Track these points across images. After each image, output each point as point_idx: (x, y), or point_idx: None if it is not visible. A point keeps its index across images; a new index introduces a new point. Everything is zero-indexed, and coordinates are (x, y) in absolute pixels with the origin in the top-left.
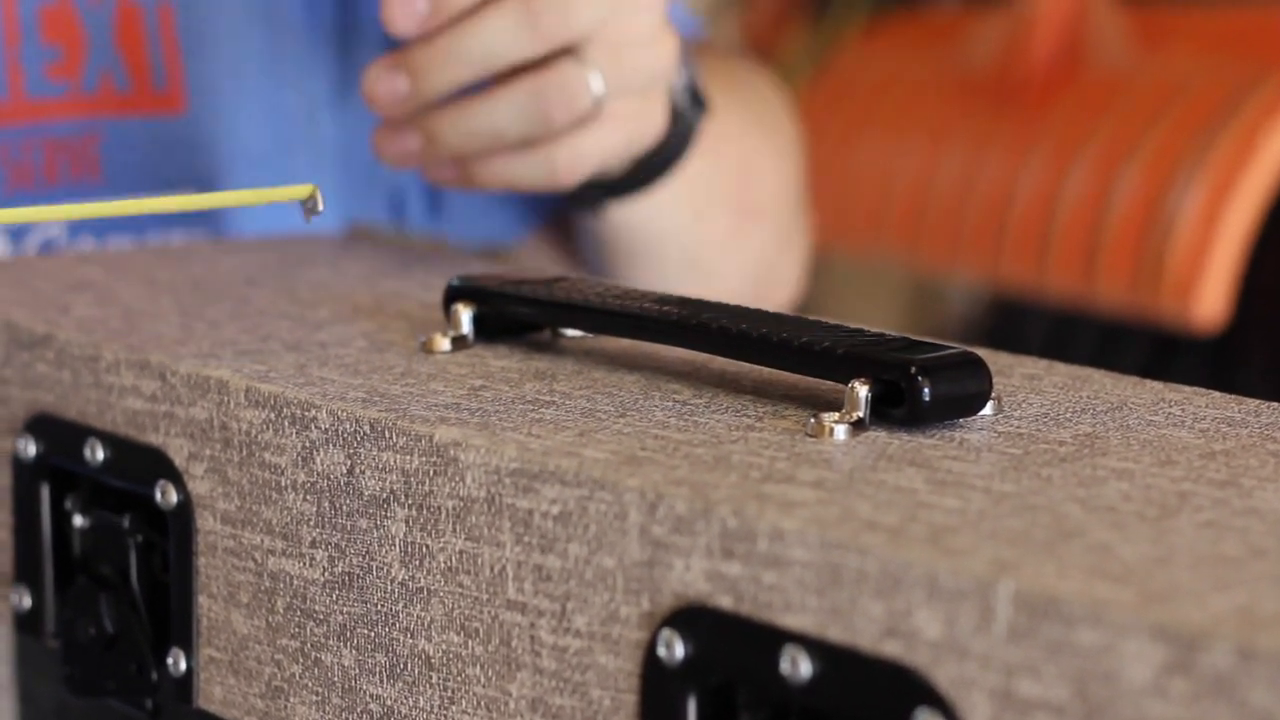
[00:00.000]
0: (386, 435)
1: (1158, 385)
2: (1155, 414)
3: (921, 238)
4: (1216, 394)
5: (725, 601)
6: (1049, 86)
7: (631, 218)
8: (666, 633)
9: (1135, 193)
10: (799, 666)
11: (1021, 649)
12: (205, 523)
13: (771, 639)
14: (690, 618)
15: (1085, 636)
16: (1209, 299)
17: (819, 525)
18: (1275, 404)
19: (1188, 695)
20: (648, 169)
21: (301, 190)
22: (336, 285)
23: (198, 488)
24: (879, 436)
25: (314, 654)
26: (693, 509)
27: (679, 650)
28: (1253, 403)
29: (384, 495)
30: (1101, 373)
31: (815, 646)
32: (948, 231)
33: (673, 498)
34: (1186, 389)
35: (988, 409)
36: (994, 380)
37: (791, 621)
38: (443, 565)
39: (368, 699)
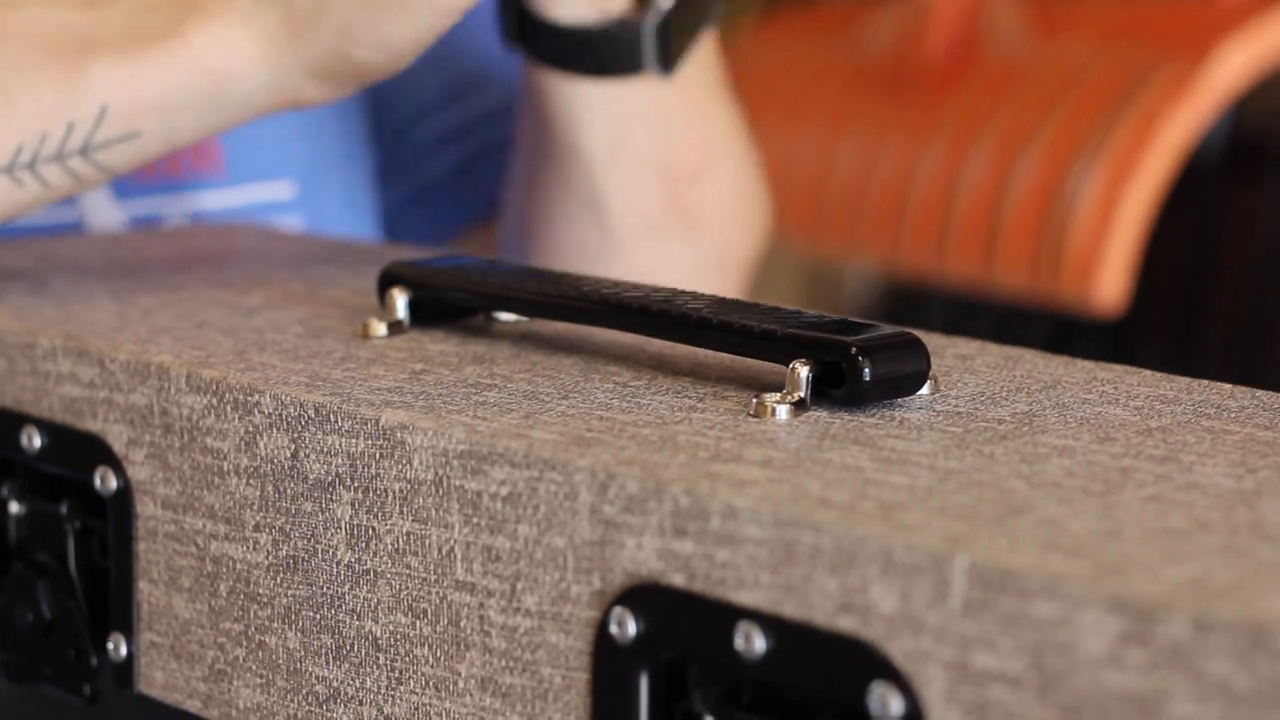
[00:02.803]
0: (332, 419)
1: (1089, 364)
2: (1089, 392)
3: (820, 225)
4: (1147, 372)
5: (678, 579)
6: (946, 74)
7: (565, 103)
8: (618, 611)
9: (1034, 178)
10: (753, 642)
11: (977, 622)
12: (145, 508)
13: (725, 615)
14: (642, 596)
15: (1041, 609)
16: (1108, 282)
17: (771, 503)
18: (1206, 381)
19: (1145, 665)
20: (601, 53)
21: None
22: (266, 273)
23: (137, 473)
24: (820, 416)
25: (258, 637)
26: (644, 488)
27: (631, 628)
28: (1183, 380)
29: (329, 478)
30: (1033, 352)
31: (769, 622)
32: (846, 218)
33: (624, 477)
34: (1117, 367)
35: (925, 389)
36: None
37: (745, 598)
38: (390, 547)
39: (313, 680)
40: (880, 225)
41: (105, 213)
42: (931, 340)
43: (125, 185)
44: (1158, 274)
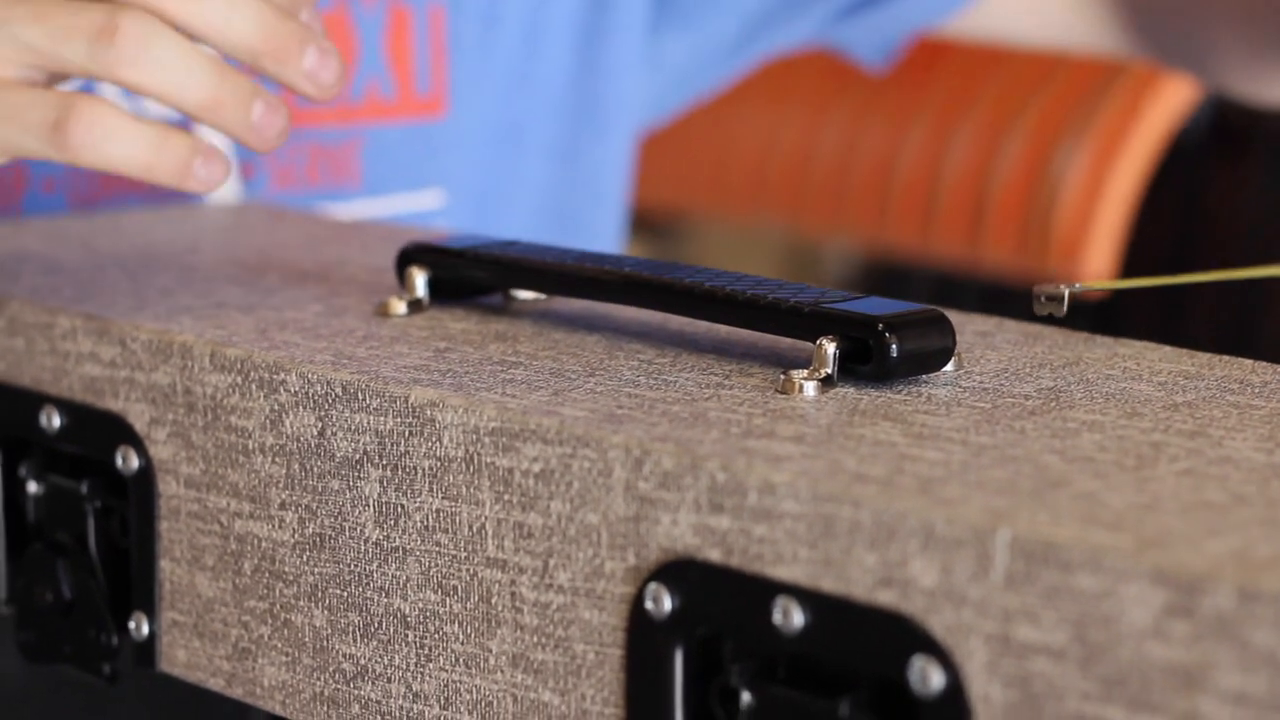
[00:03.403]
0: (360, 397)
1: (1108, 340)
2: (1112, 368)
3: (804, 205)
4: (1167, 348)
5: (714, 555)
6: (931, 53)
7: None
8: (654, 586)
9: (1020, 158)
10: (791, 617)
11: (1019, 595)
12: (168, 487)
13: (763, 590)
14: (679, 571)
15: (1084, 581)
16: (1096, 259)
17: (809, 478)
18: (1227, 357)
19: (1189, 637)
20: None
21: None
22: (278, 252)
23: (160, 452)
24: (848, 393)
25: (283, 615)
26: (680, 464)
27: (667, 603)
28: (1204, 356)
29: (357, 456)
30: (1051, 329)
31: (808, 597)
32: (830, 198)
33: (659, 453)
34: (1137, 344)
35: (949, 366)
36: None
37: (783, 573)
38: (419, 524)
39: (340, 658)
40: (865, 204)
41: None
42: (949, 317)
43: (259, 194)
44: (1143, 252)
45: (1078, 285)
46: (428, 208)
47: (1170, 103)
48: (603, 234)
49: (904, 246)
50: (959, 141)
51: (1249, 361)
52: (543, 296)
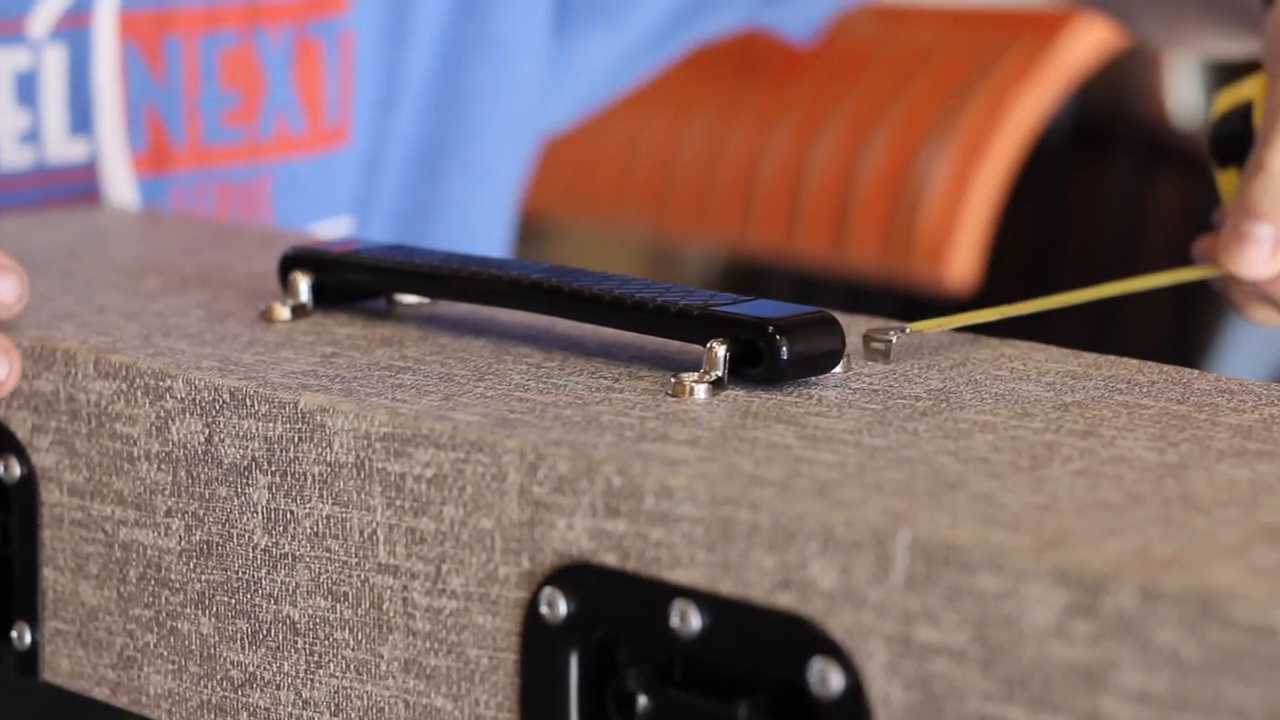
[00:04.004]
0: (248, 403)
1: (994, 341)
2: (999, 369)
3: (667, 206)
4: (1053, 348)
5: (610, 558)
6: (795, 55)
7: None
8: (549, 591)
9: (884, 159)
10: (689, 620)
11: (920, 596)
12: (51, 495)
13: (660, 593)
14: (574, 575)
15: (985, 582)
16: (959, 261)
17: (706, 481)
18: (1112, 357)
19: (1091, 636)
20: None
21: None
22: (157, 257)
23: (42, 460)
24: (739, 395)
25: (169, 623)
26: (575, 468)
27: (562, 608)
28: (1090, 356)
29: (245, 463)
30: (937, 330)
31: (705, 600)
32: (694, 200)
33: (554, 458)
34: (1022, 344)
35: (838, 367)
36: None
37: (680, 576)
38: (309, 531)
39: (228, 665)
40: (729, 207)
41: None
42: (858, 321)
43: None
44: (1007, 252)
45: (907, 329)
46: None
47: (1033, 103)
48: (500, 241)
49: (768, 247)
50: (823, 143)
51: (1135, 361)
52: (427, 301)
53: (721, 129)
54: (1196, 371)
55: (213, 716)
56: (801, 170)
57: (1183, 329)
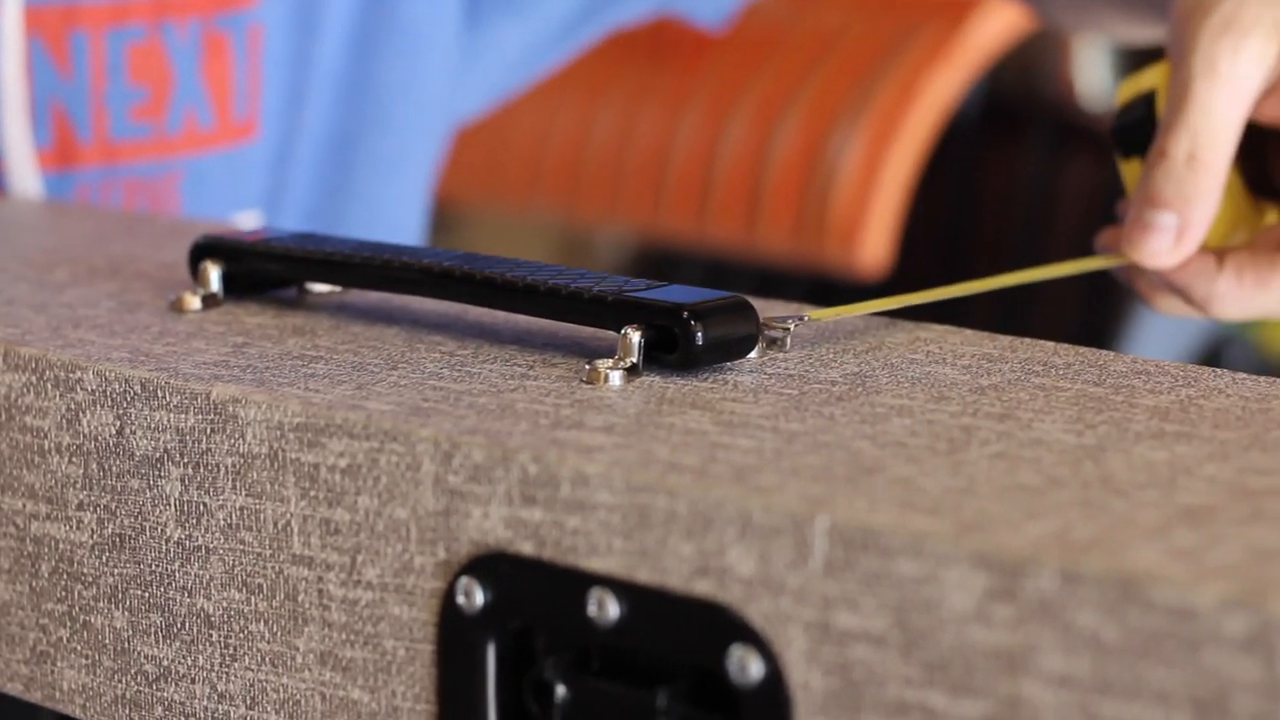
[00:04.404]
0: (159, 395)
1: (909, 324)
2: (915, 352)
3: (578, 191)
4: (969, 331)
5: (526, 548)
6: (705, 39)
7: None
8: (465, 581)
9: (795, 142)
10: (606, 608)
11: (839, 582)
12: None
13: (577, 582)
14: (490, 565)
15: (905, 567)
16: (872, 244)
17: (622, 469)
18: (1029, 340)
19: (1012, 620)
20: None
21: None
22: (65, 249)
23: None
24: (654, 381)
25: (83, 617)
26: (490, 457)
27: (478, 597)
28: (1005, 339)
29: (157, 455)
30: (854, 314)
31: (623, 588)
32: (605, 184)
33: (469, 446)
34: (938, 328)
35: (753, 353)
36: (773, 322)
37: (597, 564)
38: (222, 522)
39: (143, 660)
40: (640, 191)
41: None
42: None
43: None
44: (919, 234)
45: (805, 317)
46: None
47: (944, 85)
48: (413, 232)
49: (680, 232)
50: (734, 127)
51: (1051, 343)
52: (338, 289)
53: (632, 114)
54: (1113, 353)
55: (128, 711)
56: (712, 155)
57: (1095, 315)
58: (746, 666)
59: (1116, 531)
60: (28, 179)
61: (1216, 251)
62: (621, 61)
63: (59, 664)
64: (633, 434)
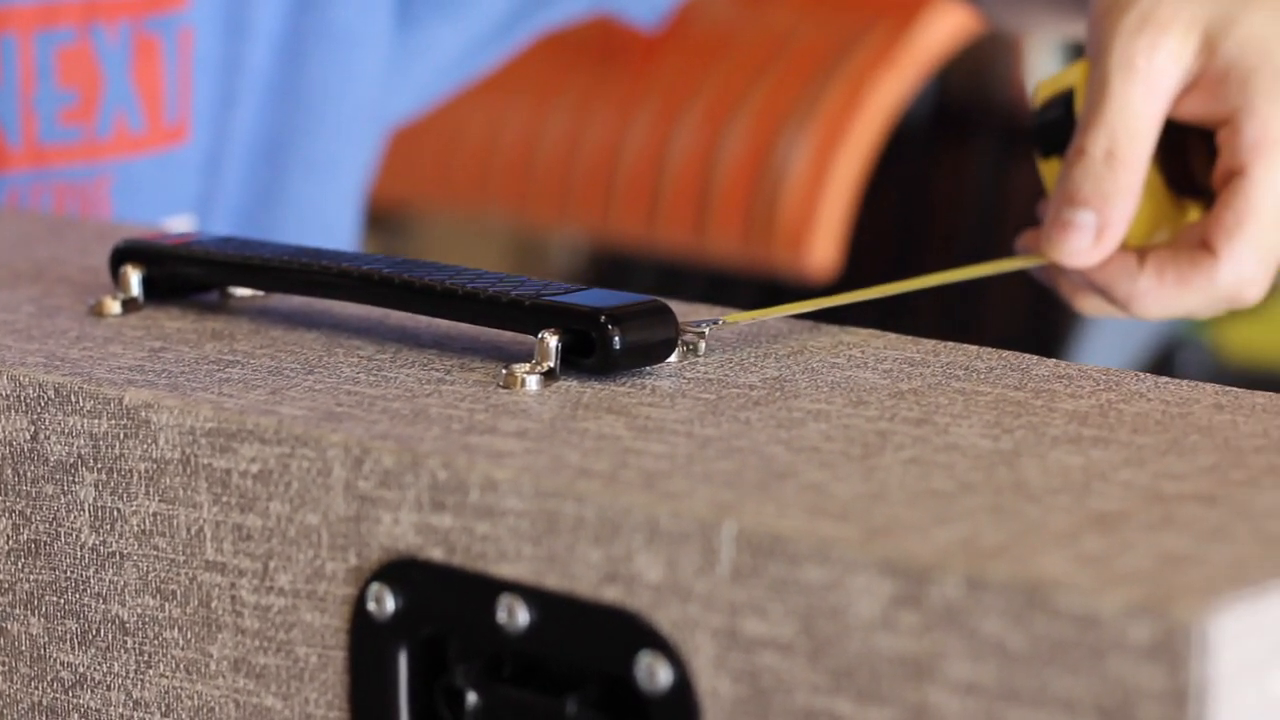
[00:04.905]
0: (73, 400)
1: (833, 328)
2: (837, 356)
3: (529, 195)
4: (892, 335)
5: (437, 553)
6: (654, 42)
7: None
8: (376, 587)
9: (744, 145)
10: (516, 615)
11: (746, 588)
12: None
13: (487, 589)
14: (400, 571)
15: (811, 574)
16: (820, 247)
17: (532, 474)
18: (951, 344)
19: (917, 627)
20: None
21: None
22: None
23: None
24: (571, 386)
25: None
26: (400, 462)
27: (389, 604)
28: (929, 343)
29: (71, 460)
30: (777, 318)
31: (532, 594)
32: (556, 188)
33: (379, 452)
34: (863, 331)
35: (673, 357)
36: (686, 326)
37: (507, 571)
38: (135, 528)
39: (59, 666)
40: (590, 195)
41: None
42: (675, 308)
43: None
44: (868, 237)
45: (720, 321)
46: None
47: (892, 88)
48: (347, 235)
49: (629, 236)
50: (683, 130)
51: (974, 347)
52: (260, 293)
53: (582, 117)
54: (1036, 357)
55: (44, 718)
56: (662, 158)
57: (1046, 319)
58: (655, 674)
59: (1025, 538)
60: None
61: (1138, 250)
62: (571, 65)
63: None
64: (545, 439)
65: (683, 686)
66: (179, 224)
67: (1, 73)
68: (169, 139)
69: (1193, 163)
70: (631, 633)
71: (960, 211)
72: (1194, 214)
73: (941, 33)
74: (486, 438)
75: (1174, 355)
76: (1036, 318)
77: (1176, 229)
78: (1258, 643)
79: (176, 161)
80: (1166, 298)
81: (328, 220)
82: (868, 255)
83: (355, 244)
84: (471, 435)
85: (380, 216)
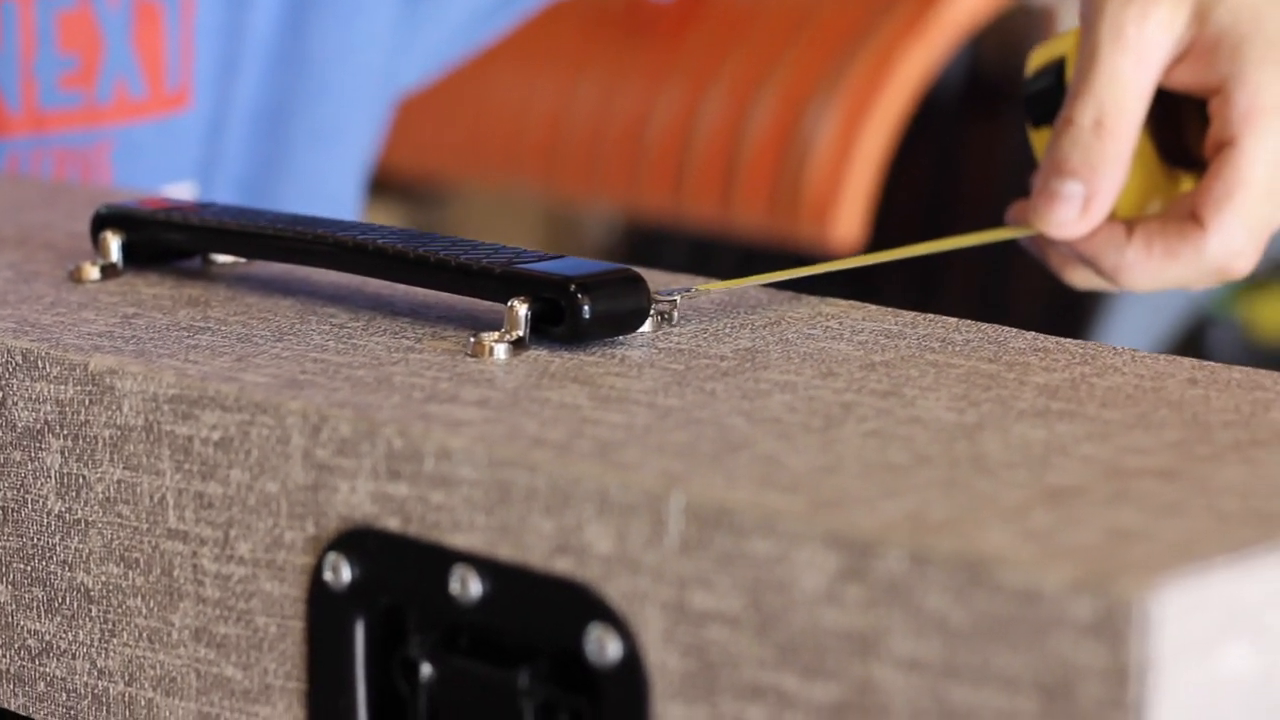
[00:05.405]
0: (39, 365)
1: (814, 299)
2: (813, 328)
3: (557, 168)
4: (873, 307)
5: (393, 523)
6: (682, 14)
7: None
8: (332, 556)
9: (770, 119)
10: (469, 586)
11: (694, 561)
12: None
13: (440, 559)
14: (356, 540)
15: (758, 546)
16: (846, 220)
17: (486, 443)
18: (932, 315)
19: (862, 602)
20: None
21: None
22: None
23: None
24: (540, 355)
25: None
26: (357, 430)
27: (345, 574)
28: (909, 315)
29: (38, 426)
30: (758, 288)
31: (485, 565)
32: (584, 161)
33: (336, 420)
34: (843, 303)
35: (647, 326)
36: (657, 296)
37: (461, 541)
38: (100, 496)
39: (25, 634)
40: (618, 167)
41: None
42: (654, 278)
43: None
44: (898, 211)
45: (694, 288)
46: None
47: (920, 59)
48: (351, 204)
49: (657, 208)
50: (711, 103)
51: (954, 320)
52: (242, 260)
53: (611, 90)
54: (1015, 330)
55: (12, 686)
56: (689, 130)
57: (1072, 299)
58: (604, 646)
59: (974, 512)
60: None
61: (1126, 221)
62: (600, 38)
63: None
64: (505, 408)
65: (632, 660)
66: (180, 191)
67: (1, 37)
68: (170, 105)
69: (1187, 133)
70: (582, 605)
71: (990, 185)
72: (1187, 185)
73: (972, 3)
74: (446, 406)
75: (1204, 333)
76: (1065, 296)
77: (1170, 200)
78: (1204, 620)
79: (178, 128)
80: (1154, 269)
81: (331, 189)
82: (896, 228)
83: (359, 213)
84: (431, 404)
85: (411, 189)
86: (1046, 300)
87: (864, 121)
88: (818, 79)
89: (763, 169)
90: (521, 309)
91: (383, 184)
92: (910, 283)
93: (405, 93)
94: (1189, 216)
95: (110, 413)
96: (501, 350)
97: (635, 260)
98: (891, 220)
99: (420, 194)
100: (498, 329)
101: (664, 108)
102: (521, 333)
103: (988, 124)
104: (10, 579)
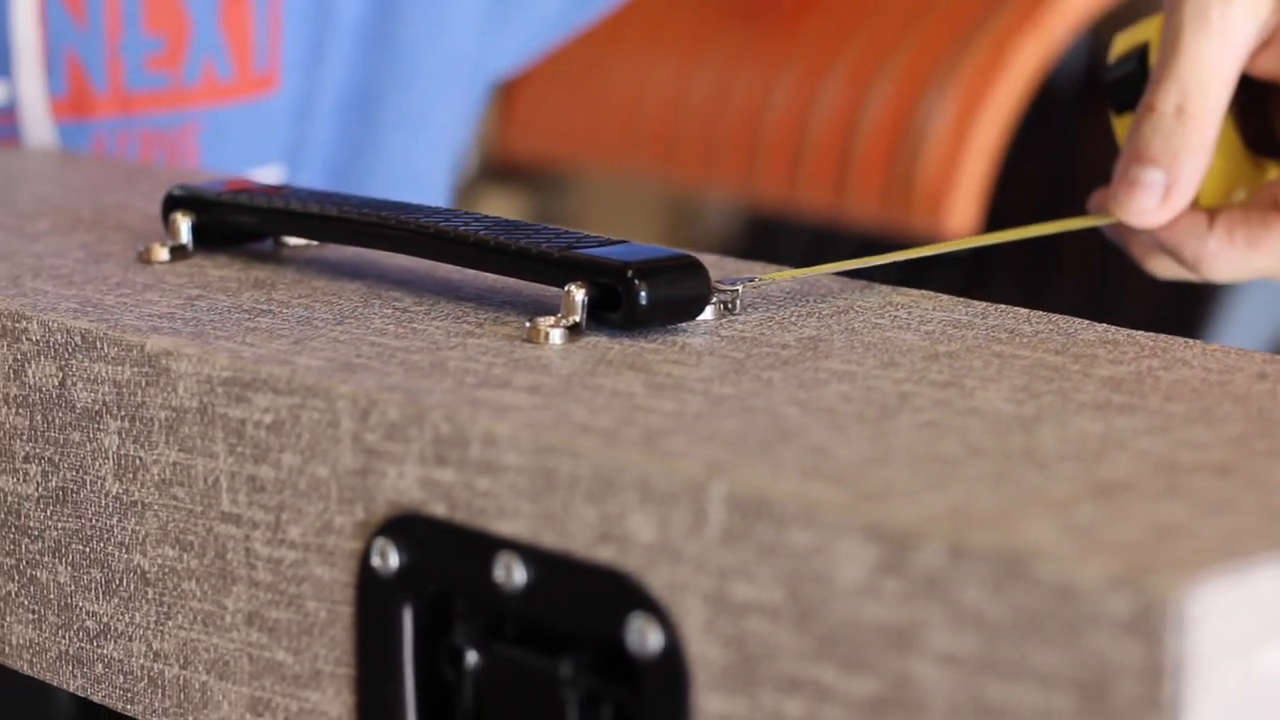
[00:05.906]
0: (98, 346)
1: (885, 289)
2: (881, 317)
3: (674, 155)
4: (945, 297)
5: (439, 509)
6: (800, 2)
7: None
8: (380, 542)
9: (886, 108)
10: (513, 574)
11: (735, 551)
12: None
13: (485, 546)
14: (404, 526)
15: (797, 537)
16: (960, 211)
17: (532, 430)
18: (1003, 306)
19: (900, 595)
20: None
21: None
22: (59, 198)
23: None
24: (599, 341)
25: (29, 571)
26: (405, 415)
27: (393, 559)
28: (980, 305)
29: (96, 407)
30: (830, 277)
31: (529, 553)
32: (700, 148)
33: (385, 404)
34: (914, 292)
35: (708, 313)
36: (719, 284)
37: (505, 528)
38: (156, 478)
39: (84, 615)
40: (734, 155)
41: None
42: (724, 265)
43: None
44: (1013, 203)
45: (756, 279)
46: None
47: (1037, 49)
48: (439, 189)
49: (772, 197)
50: (827, 91)
51: (1025, 310)
52: (313, 243)
53: (728, 77)
54: (1086, 322)
55: (70, 668)
56: (805, 118)
57: (1185, 300)
58: (646, 637)
59: (1019, 505)
60: (42, 128)
61: (1208, 210)
62: (717, 24)
63: (8, 619)
64: (556, 395)
65: (673, 651)
66: (268, 175)
67: (88, 18)
68: (258, 87)
69: (1272, 121)
70: (623, 594)
71: (1107, 178)
72: (1273, 173)
73: None
74: (497, 392)
75: None
76: (1180, 296)
77: (1254, 189)
78: (1245, 619)
79: (265, 111)
80: (1236, 259)
81: (418, 173)
82: (1010, 220)
83: (447, 198)
84: (483, 389)
85: (533, 177)
86: (1160, 300)
87: (980, 111)
88: (934, 68)
89: (878, 157)
90: (578, 294)
91: (504, 171)
92: (1024, 278)
93: (500, 78)
94: (1273, 205)
95: (166, 394)
96: (557, 335)
97: (755, 251)
98: (1006, 211)
99: (541, 182)
100: (553, 314)
101: (781, 95)
102: (578, 318)
103: (1106, 114)
104: (70, 559)
